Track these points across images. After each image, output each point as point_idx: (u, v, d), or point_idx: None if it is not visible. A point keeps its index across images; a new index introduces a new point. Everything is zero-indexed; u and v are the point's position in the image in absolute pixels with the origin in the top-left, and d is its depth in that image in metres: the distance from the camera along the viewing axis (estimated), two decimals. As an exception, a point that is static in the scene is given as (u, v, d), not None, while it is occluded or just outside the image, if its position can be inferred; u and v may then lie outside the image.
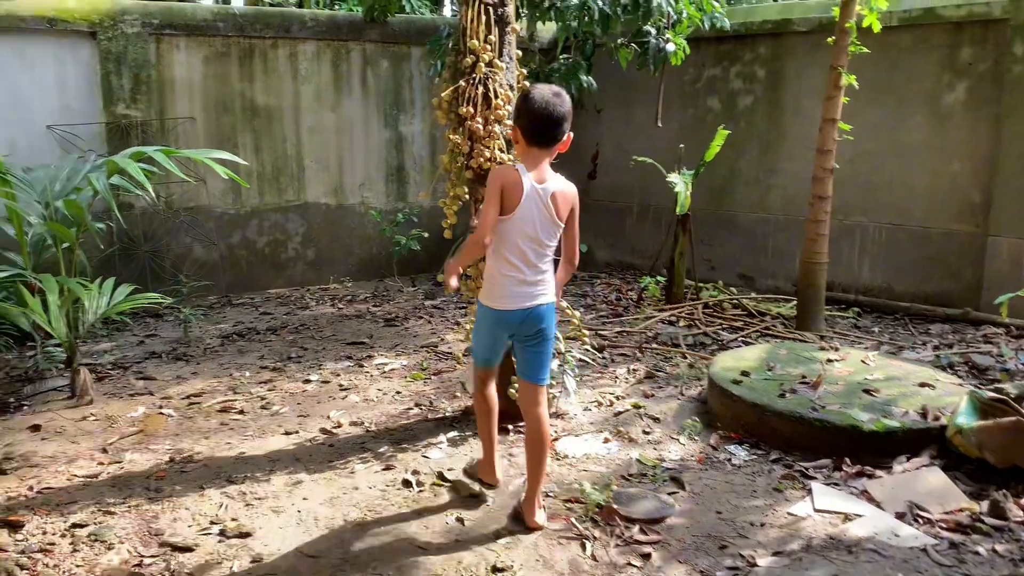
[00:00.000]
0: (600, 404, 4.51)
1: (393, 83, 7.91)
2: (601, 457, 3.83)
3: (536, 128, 3.03)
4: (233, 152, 7.08)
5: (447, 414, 4.36)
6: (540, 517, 3.17)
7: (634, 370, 5.10)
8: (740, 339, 5.73)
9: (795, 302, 6.52)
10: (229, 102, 7.19)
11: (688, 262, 6.59)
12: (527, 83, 4.16)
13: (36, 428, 4.22)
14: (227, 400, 4.60)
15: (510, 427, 4.09)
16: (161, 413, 4.42)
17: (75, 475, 3.66)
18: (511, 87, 4.04)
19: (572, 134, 3.15)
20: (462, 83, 3.90)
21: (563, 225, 3.14)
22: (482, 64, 3.86)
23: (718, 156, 6.52)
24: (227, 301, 7.05)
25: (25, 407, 4.56)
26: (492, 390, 3.45)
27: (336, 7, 8.97)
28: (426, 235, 7.51)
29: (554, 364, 4.28)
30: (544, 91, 3.03)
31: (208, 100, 7.10)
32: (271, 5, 11.44)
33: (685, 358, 5.32)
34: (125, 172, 4.42)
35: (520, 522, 3.17)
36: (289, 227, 7.60)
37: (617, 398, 4.60)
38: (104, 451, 3.93)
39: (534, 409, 3.18)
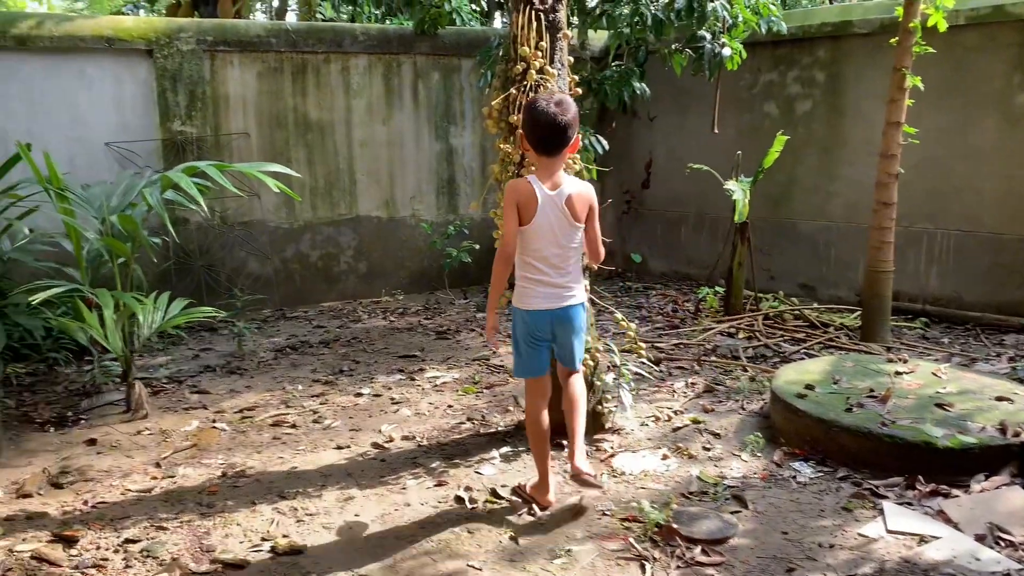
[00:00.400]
0: (658, 419, 4.37)
1: (443, 95, 7.89)
2: (660, 474, 3.70)
3: (542, 138, 3.19)
4: (286, 166, 7.12)
5: (499, 428, 4.27)
6: (583, 463, 3.30)
7: (692, 384, 4.95)
8: (802, 351, 5.54)
9: (859, 313, 6.30)
10: (282, 117, 7.24)
11: (747, 272, 6.41)
12: (578, 90, 4.08)
13: (92, 442, 4.24)
14: (279, 414, 4.58)
15: (564, 442, 3.98)
16: (214, 427, 4.41)
17: (129, 489, 3.66)
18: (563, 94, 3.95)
19: (594, 137, 3.30)
20: (513, 91, 3.83)
21: (582, 225, 3.28)
22: (533, 71, 3.79)
23: (776, 163, 6.35)
24: (281, 314, 7.07)
25: (82, 421, 4.59)
26: (546, 414, 3.43)
27: (387, 21, 9.00)
28: (477, 247, 7.45)
29: (609, 377, 4.17)
30: (546, 101, 3.19)
31: (261, 115, 7.16)
32: (324, 20, 11.56)
33: (746, 371, 5.15)
34: (179, 187, 4.44)
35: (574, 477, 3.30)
36: (341, 240, 7.62)
37: (675, 413, 4.46)
38: (158, 465, 3.92)
39: (570, 385, 3.43)
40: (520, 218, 3.20)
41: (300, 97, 7.29)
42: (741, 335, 5.98)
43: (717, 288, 6.88)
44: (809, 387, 4.17)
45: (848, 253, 6.91)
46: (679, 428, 4.24)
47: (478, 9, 9.93)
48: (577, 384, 3.44)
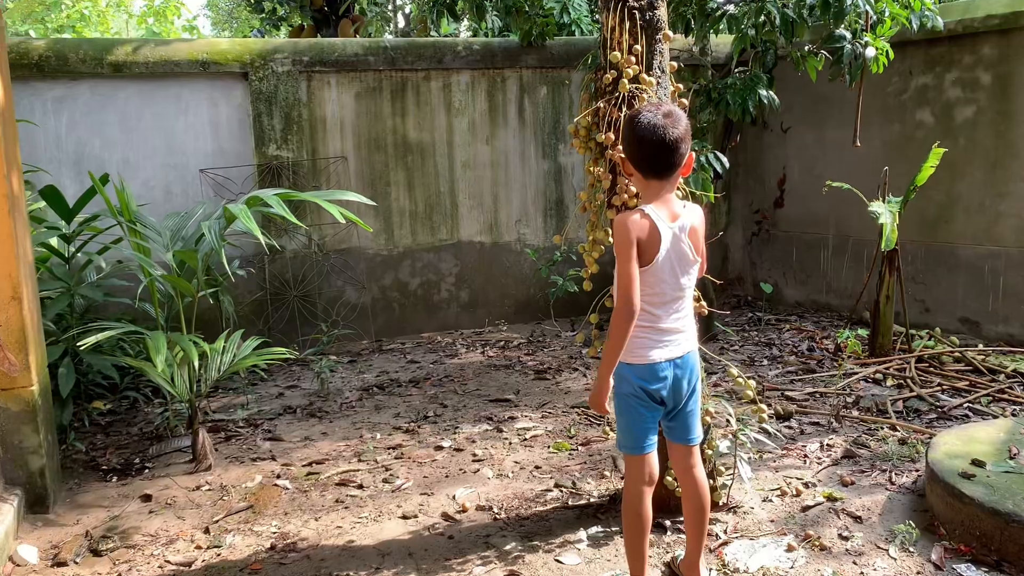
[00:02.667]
0: (784, 493, 3.62)
1: (551, 111, 7.34)
2: (783, 572, 2.98)
3: (650, 157, 2.64)
4: (385, 191, 6.79)
5: (591, 499, 3.64)
6: None
7: (829, 446, 4.16)
8: (966, 405, 4.62)
9: (1036, 356, 5.30)
10: (381, 139, 6.87)
11: (896, 306, 5.52)
12: (684, 100, 3.42)
13: (147, 498, 3.89)
14: (348, 470, 4.11)
15: (667, 523, 3.32)
16: (276, 484, 3.98)
17: (168, 561, 3.26)
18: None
19: (693, 154, 2.68)
20: (601, 104, 3.22)
21: (700, 259, 2.77)
22: (625, 80, 3.17)
23: (932, 179, 5.45)
24: (377, 347, 6.68)
25: (146, 470, 4.27)
26: (649, 504, 2.79)
27: (488, 33, 8.53)
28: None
29: (724, 444, 3.46)
30: (652, 113, 2.63)
31: (359, 138, 6.81)
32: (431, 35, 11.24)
33: (895, 431, 4.31)
34: (272, 213, 4.07)
35: None
36: (442, 267, 7.17)
37: (806, 485, 3.70)
38: (207, 531, 3.51)
39: (691, 472, 2.86)
40: (639, 258, 2.60)
41: (399, 118, 6.91)
42: (890, 382, 5.10)
43: (861, 325, 5.99)
44: (978, 463, 3.33)
45: (1021, 283, 5.87)
46: (810, 507, 3.49)
47: (600, 21, 9.30)
48: (699, 468, 2.86)
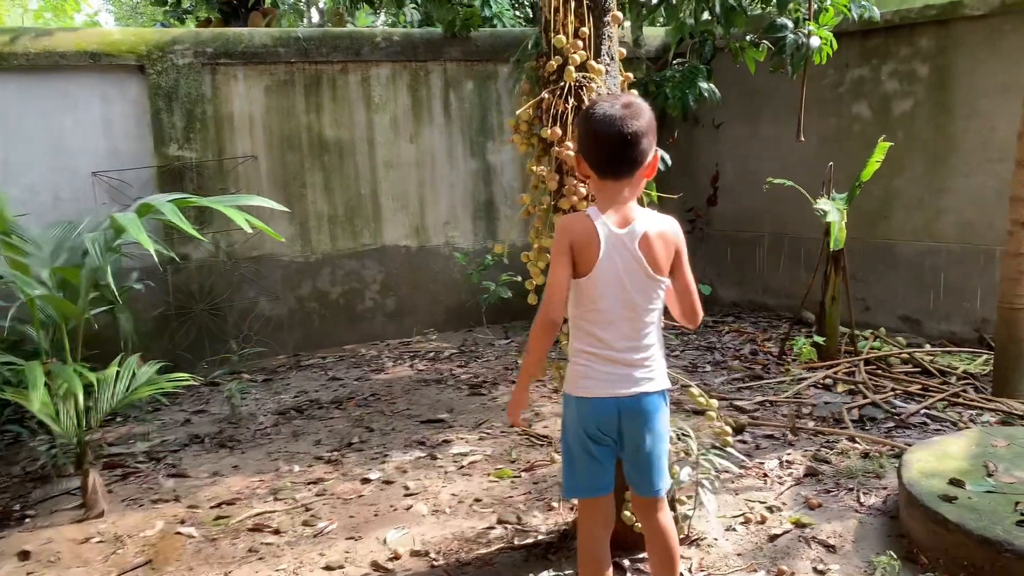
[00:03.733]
0: (748, 520, 3.32)
1: (479, 106, 6.94)
2: (759, 619, 2.66)
3: (604, 154, 2.30)
4: (301, 193, 6.28)
5: (540, 536, 3.26)
6: None
7: (788, 462, 3.88)
8: (923, 412, 4.42)
9: (985, 356, 5.16)
10: (294, 137, 6.36)
11: (843, 307, 5.31)
12: (634, 92, 3.07)
13: (25, 556, 3.35)
14: (264, 512, 3.63)
15: (626, 563, 2.97)
16: (180, 532, 3.48)
17: (47, 638, 2.75)
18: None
19: (659, 152, 2.30)
20: (545, 95, 2.85)
21: (665, 279, 2.33)
22: (572, 68, 2.80)
23: (871, 175, 5.26)
24: (295, 363, 6.17)
25: (28, 518, 3.72)
26: (605, 550, 2.45)
27: (407, 27, 8.10)
28: (519, 279, 6.46)
29: (684, 472, 3.13)
30: (609, 103, 2.30)
31: (271, 136, 6.29)
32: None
33: (855, 443, 4.06)
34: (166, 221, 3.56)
35: None
36: (365, 274, 6.70)
37: (770, 510, 3.40)
38: (95, 595, 3.01)
39: (653, 519, 2.48)
40: (575, 267, 2.29)
41: (314, 114, 6.41)
42: (841, 388, 4.88)
43: (802, 326, 5.79)
44: (956, 483, 3.08)
45: (963, 280, 5.75)
46: (778, 536, 3.19)
47: (522, 15, 8.94)
48: (665, 521, 2.48)
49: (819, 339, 5.00)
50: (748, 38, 5.15)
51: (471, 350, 6.32)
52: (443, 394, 5.22)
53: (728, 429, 3.15)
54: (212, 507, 3.72)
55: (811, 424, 4.34)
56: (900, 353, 5.30)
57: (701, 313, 2.38)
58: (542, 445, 4.23)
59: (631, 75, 3.04)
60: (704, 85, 4.96)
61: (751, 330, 6.42)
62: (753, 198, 6.88)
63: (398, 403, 5.08)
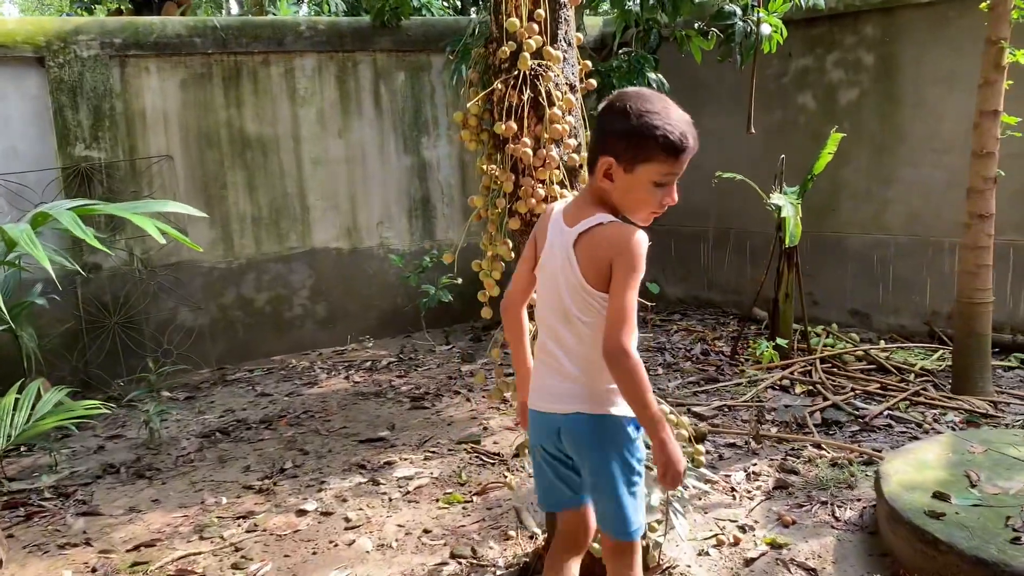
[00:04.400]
0: (721, 543, 3.08)
1: (412, 99, 6.59)
2: (746, 661, 2.41)
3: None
4: (221, 194, 5.84)
5: (499, 572, 2.96)
6: None
7: (755, 474, 3.67)
8: (887, 413, 4.26)
9: (940, 352, 5.06)
10: (213, 134, 5.92)
11: (796, 305, 5.15)
12: (592, 81, 2.79)
13: (-94, 621, 2.91)
14: (188, 554, 3.25)
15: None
16: (90, 583, 3.09)
17: None
18: (571, 87, 2.66)
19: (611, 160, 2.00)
20: (498, 86, 2.54)
21: (600, 293, 1.99)
22: (527, 55, 2.50)
23: (811, 163, 5.11)
24: (220, 377, 5.74)
25: (-87, 572, 3.26)
26: (566, 570, 2.19)
27: (333, 15, 7.68)
28: (460, 281, 6.15)
29: (655, 496, 2.87)
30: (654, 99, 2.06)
31: (187, 133, 5.83)
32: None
33: (821, 449, 3.87)
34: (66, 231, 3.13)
35: None
36: (294, 279, 6.29)
37: (743, 529, 3.17)
38: (-11, 667, 2.60)
39: (607, 562, 2.20)
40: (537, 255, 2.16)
41: (235, 108, 5.97)
42: (799, 389, 4.70)
43: (750, 323, 5.62)
44: (940, 496, 2.90)
45: (911, 272, 5.66)
46: (754, 559, 2.96)
47: (450, 4, 8.59)
48: (614, 571, 2.19)
49: (781, 341, 4.80)
50: (697, 26, 4.92)
51: (410, 358, 5.98)
52: (383, 408, 4.88)
53: (701, 449, 2.90)
54: (128, 551, 3.32)
55: (774, 430, 4.14)
56: (855, 351, 5.16)
57: (621, 342, 1.90)
58: (493, 464, 3.94)
59: (588, 64, 2.76)
60: (653, 76, 4.72)
61: (700, 328, 6.23)
62: (697, 192, 6.68)
63: (334, 420, 4.72)
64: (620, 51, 5.08)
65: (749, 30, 4.70)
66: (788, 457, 3.83)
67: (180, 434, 4.64)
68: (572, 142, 2.61)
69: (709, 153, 6.73)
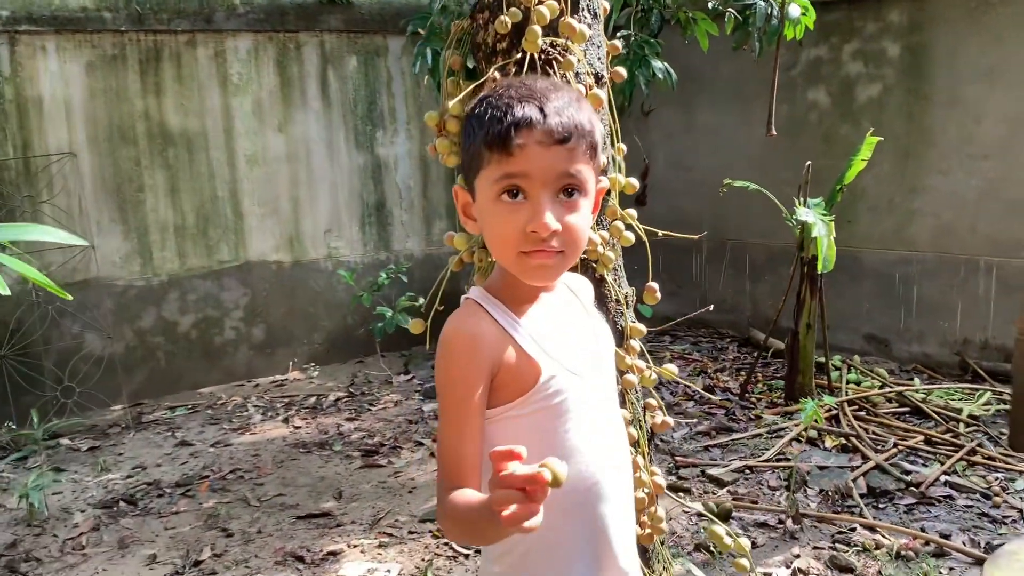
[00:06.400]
0: None
1: (365, 88, 5.69)
2: None
3: None
4: (137, 198, 4.96)
5: None
6: None
7: (801, 572, 2.89)
8: (943, 479, 3.52)
9: (982, 392, 4.36)
10: (127, 127, 4.97)
11: (818, 334, 4.41)
12: (620, 70, 1.98)
13: None
14: None
15: None
16: None
17: None
18: (597, 77, 1.85)
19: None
20: (492, 75, 1.71)
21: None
22: (537, 28, 1.67)
23: (829, 171, 4.38)
24: (134, 418, 4.80)
25: None
26: None
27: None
28: (420, 301, 5.28)
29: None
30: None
31: (96, 126, 4.88)
32: None
33: (875, 532, 3.12)
34: None
35: None
36: (225, 298, 5.38)
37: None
38: None
39: None
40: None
41: (154, 97, 5.03)
42: (829, 442, 3.94)
43: (750, 346, 4.87)
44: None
45: (939, 294, 4.95)
46: None
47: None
48: None
49: (828, 400, 4.03)
50: (710, 5, 4.12)
51: (362, 392, 5.11)
52: (328, 467, 4.01)
53: (743, 542, 2.12)
54: None
55: (812, 505, 3.38)
56: (887, 391, 4.43)
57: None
58: (467, 556, 3.10)
59: (617, 44, 1.93)
60: (658, 64, 3.93)
61: (697, 355, 5.46)
62: (689, 197, 5.94)
63: (267, 484, 3.84)
64: (617, 35, 4.26)
65: (772, 12, 3.91)
66: (837, 543, 3.07)
67: (74, 503, 3.72)
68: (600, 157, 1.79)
69: (702, 154, 6.01)
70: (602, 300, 1.92)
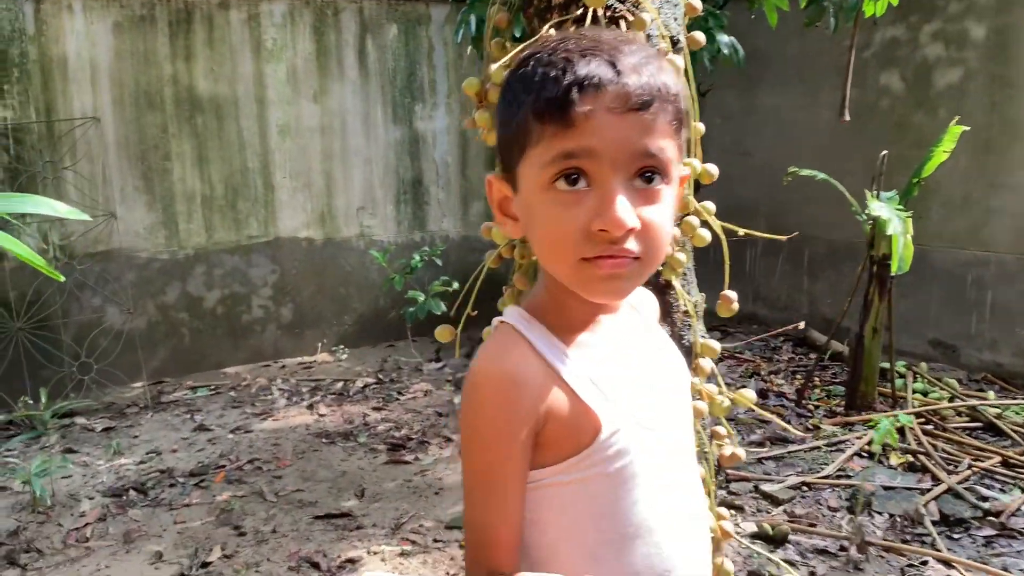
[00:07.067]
0: None
1: (405, 59, 5.41)
2: None
3: None
4: (164, 167, 4.74)
5: None
6: None
7: (869, 612, 2.58)
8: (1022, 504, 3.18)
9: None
10: (155, 92, 4.74)
11: (884, 338, 4.06)
12: (698, 35, 1.66)
13: None
14: None
15: None
16: None
17: None
18: (673, 42, 1.54)
19: None
20: (550, 32, 1.41)
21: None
22: (604, -22, 1.36)
23: (896, 161, 4.02)
24: (154, 398, 4.61)
25: None
26: None
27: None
28: (455, 286, 5.01)
29: None
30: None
31: (122, 90, 4.66)
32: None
33: (951, 567, 2.79)
34: None
35: None
36: (253, 275, 5.15)
37: None
38: None
39: None
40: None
41: (183, 62, 4.79)
42: (895, 460, 3.60)
43: (803, 346, 4.54)
44: None
45: (1015, 300, 4.56)
46: None
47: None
48: None
49: (904, 419, 3.68)
50: (781, -25, 3.76)
51: (391, 379, 4.86)
52: (351, 460, 3.76)
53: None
54: None
55: (879, 533, 3.05)
56: (958, 404, 4.07)
57: None
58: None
59: (697, 4, 1.61)
60: (724, 38, 3.59)
61: (749, 355, 5.12)
62: (746, 185, 5.57)
63: (286, 477, 3.61)
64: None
65: (852, -17, 3.56)
66: (906, 578, 2.75)
67: (83, 488, 3.52)
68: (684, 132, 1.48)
69: (763, 139, 5.63)
70: (666, 311, 1.61)
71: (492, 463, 0.93)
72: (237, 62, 4.92)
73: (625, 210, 0.88)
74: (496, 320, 1.03)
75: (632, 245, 0.90)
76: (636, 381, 1.01)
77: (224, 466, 3.71)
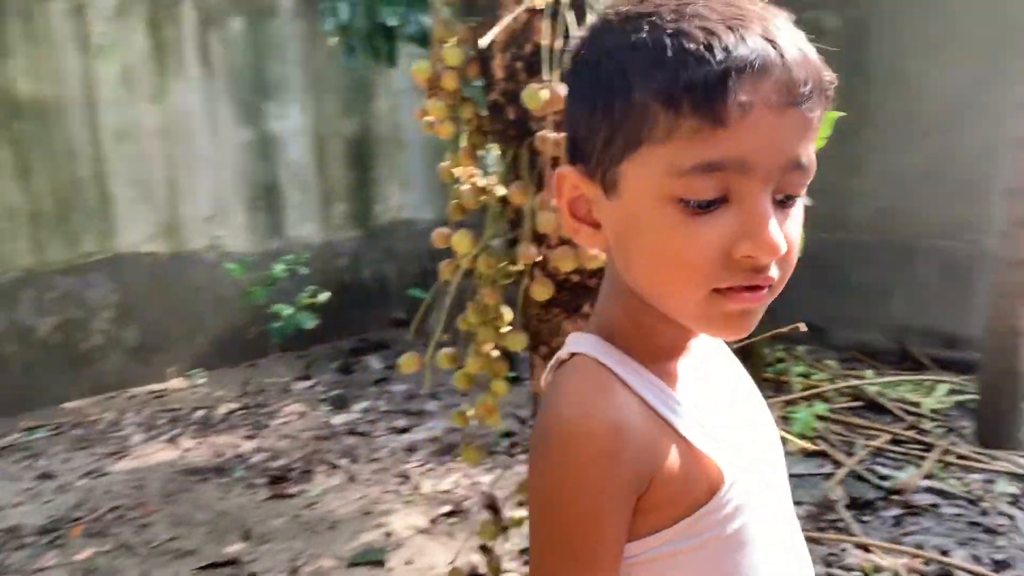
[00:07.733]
0: None
1: (253, 53, 5.00)
2: None
3: None
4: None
5: None
6: None
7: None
8: (925, 484, 3.25)
9: (935, 384, 4.17)
10: (-38, 93, 4.13)
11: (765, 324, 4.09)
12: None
13: None
14: None
15: None
16: None
17: None
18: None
19: None
20: (521, 13, 1.19)
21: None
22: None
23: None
24: (-17, 443, 4.02)
25: None
26: None
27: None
28: (325, 295, 4.68)
29: None
30: None
31: (-81, 91, 4.02)
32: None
33: (868, 551, 2.80)
34: None
35: None
36: (91, 297, 4.60)
37: None
38: None
39: None
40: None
41: (-5, 58, 4.20)
42: (791, 446, 3.62)
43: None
44: None
45: (878, 279, 4.77)
46: None
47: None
48: None
49: (820, 407, 3.70)
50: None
51: (257, 403, 4.46)
52: (229, 499, 3.39)
53: None
54: None
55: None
56: (840, 386, 4.17)
57: None
58: (415, 610, 2.59)
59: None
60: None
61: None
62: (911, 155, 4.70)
63: (156, 525, 3.19)
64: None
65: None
66: (831, 567, 2.73)
67: (-97, 564, 2.98)
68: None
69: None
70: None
71: (586, 535, 0.72)
72: (62, 60, 4.36)
73: (778, 233, 0.69)
74: (564, 351, 0.81)
75: (774, 272, 0.72)
76: (732, 418, 0.82)
77: (80, 518, 3.24)
